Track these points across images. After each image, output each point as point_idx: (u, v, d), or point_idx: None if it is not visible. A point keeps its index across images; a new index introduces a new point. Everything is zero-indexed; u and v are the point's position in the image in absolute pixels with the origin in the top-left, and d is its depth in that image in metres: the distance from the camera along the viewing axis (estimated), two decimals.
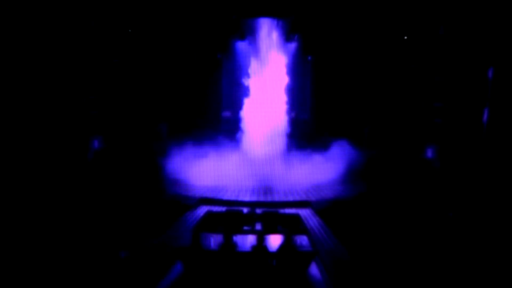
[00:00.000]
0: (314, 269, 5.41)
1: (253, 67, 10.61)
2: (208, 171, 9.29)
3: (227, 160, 9.60)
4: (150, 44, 10.75)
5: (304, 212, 7.69)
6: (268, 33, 10.55)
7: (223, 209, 7.21)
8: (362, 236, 6.43)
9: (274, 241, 5.89)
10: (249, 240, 6.02)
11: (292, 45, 10.83)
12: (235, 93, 10.91)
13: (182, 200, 8.14)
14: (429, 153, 10.36)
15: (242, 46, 10.82)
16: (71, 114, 9.47)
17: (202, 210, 7.56)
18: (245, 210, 7.06)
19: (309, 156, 9.89)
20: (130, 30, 10.63)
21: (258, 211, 7.07)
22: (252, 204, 7.78)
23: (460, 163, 9.31)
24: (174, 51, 10.85)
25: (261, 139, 10.13)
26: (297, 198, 8.60)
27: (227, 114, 11.26)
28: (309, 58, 11.16)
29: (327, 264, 5.54)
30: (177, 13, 10.35)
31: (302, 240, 6.17)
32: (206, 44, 10.89)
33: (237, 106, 10.70)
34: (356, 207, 7.86)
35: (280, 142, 10.26)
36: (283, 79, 10.66)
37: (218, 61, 11.17)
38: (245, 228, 6.64)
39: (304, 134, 10.91)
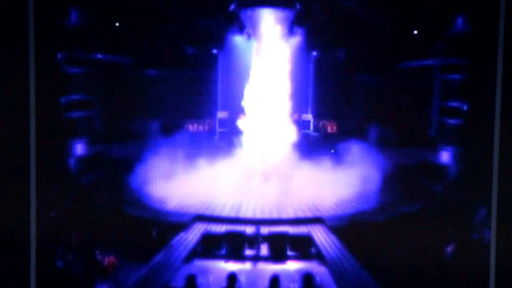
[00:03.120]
0: None
1: (252, 63, 10.02)
2: (204, 182, 8.35)
3: (225, 168, 8.72)
4: (138, 38, 9.86)
5: (316, 231, 6.79)
6: (269, 27, 9.95)
7: (222, 228, 6.38)
8: (389, 260, 5.52)
9: (288, 273, 4.97)
10: (255, 272, 5.12)
11: (295, 40, 10.16)
12: (232, 92, 10.24)
13: (174, 218, 7.16)
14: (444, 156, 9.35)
15: (239, 40, 10.18)
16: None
17: (198, 230, 6.63)
18: (248, 230, 6.24)
19: (319, 163, 9.02)
20: (117, 24, 9.73)
21: (263, 231, 6.24)
22: (255, 222, 6.88)
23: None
24: (165, 46, 9.96)
25: (262, 144, 9.39)
26: (307, 213, 7.65)
27: (223, 115, 10.45)
28: (313, 53, 10.40)
29: None
30: (168, 4, 9.56)
31: (317, 268, 5.28)
32: (200, 38, 10.11)
33: (235, 106, 10.04)
34: (379, 224, 7.00)
35: (285, 147, 9.39)
36: (285, 77, 10.06)
37: (214, 57, 10.39)
38: (249, 253, 5.80)
39: (310, 137, 10.24)
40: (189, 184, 8.35)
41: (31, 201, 5.65)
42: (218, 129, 10.26)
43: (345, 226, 6.96)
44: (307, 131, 10.29)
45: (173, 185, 8.34)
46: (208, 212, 7.54)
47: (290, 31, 10.05)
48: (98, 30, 9.28)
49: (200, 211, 7.53)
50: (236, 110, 9.91)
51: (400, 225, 6.94)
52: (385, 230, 6.83)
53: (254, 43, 9.99)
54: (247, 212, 7.69)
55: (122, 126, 9.59)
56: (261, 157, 9.08)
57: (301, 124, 10.19)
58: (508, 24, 6.72)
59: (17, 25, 6.32)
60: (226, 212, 7.67)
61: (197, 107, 10.19)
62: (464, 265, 6.05)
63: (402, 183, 8.53)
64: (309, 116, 10.49)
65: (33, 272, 5.43)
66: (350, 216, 7.55)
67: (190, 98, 10.13)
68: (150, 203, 7.82)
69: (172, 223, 6.95)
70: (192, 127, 10.07)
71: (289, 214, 7.66)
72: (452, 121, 9.40)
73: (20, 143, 5.88)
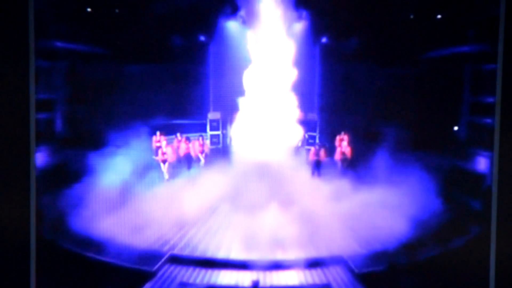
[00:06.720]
0: None
1: (249, 54, 9.03)
2: (182, 207, 6.82)
3: (214, 183, 7.39)
4: (113, 24, 9.13)
5: (337, 280, 5.06)
6: (268, 9, 8.94)
7: (205, 279, 4.75)
8: None
9: None
10: None
11: (300, 25, 9.27)
12: (225, 88, 9.37)
13: (140, 262, 5.44)
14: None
15: (233, 26, 9.27)
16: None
17: (171, 281, 4.92)
18: (242, 280, 4.59)
19: (334, 177, 7.73)
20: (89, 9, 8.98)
21: (263, 280, 4.58)
22: (251, 267, 5.30)
23: None
24: (145, 33, 9.09)
25: (263, 154, 8.07)
26: (323, 250, 6.06)
27: (215, 115, 9.69)
28: (322, 40, 9.67)
29: None
30: None
31: None
32: (186, 23, 9.33)
33: (229, 105, 9.25)
34: (420, 265, 5.54)
35: (291, 160, 8.17)
36: (288, 70, 9.07)
37: (203, 46, 9.57)
38: None
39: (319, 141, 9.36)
40: (163, 210, 6.69)
41: (31, 201, 5.51)
42: (209, 132, 9.55)
43: (374, 271, 5.25)
44: (313, 133, 9.62)
45: (141, 212, 6.61)
46: (186, 251, 5.88)
47: (294, 15, 9.16)
48: (63, 15, 8.40)
49: (175, 251, 5.91)
50: (231, 110, 9.15)
51: (446, 265, 5.73)
52: (428, 274, 5.34)
53: (250, 30, 9.02)
54: (241, 251, 6.08)
55: (88, 131, 8.49)
56: (261, 172, 7.69)
57: (306, 125, 9.50)
58: None
59: None
60: (211, 252, 6.01)
61: (186, 107, 9.47)
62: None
63: (442, 205, 7.12)
64: (315, 116, 9.77)
65: (33, 272, 5.35)
66: (379, 254, 5.93)
67: (176, 97, 9.40)
68: (104, 240, 6.08)
69: (135, 270, 5.24)
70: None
71: (298, 254, 6.00)
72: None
73: (20, 143, 5.71)
